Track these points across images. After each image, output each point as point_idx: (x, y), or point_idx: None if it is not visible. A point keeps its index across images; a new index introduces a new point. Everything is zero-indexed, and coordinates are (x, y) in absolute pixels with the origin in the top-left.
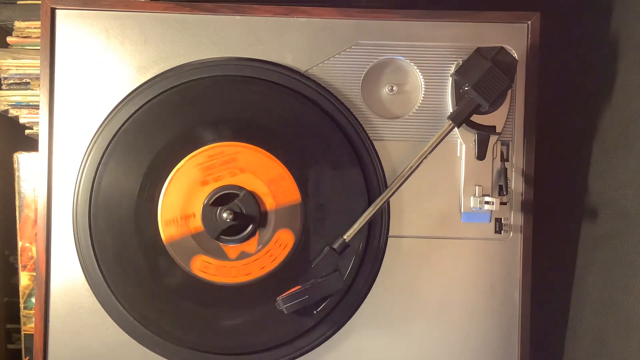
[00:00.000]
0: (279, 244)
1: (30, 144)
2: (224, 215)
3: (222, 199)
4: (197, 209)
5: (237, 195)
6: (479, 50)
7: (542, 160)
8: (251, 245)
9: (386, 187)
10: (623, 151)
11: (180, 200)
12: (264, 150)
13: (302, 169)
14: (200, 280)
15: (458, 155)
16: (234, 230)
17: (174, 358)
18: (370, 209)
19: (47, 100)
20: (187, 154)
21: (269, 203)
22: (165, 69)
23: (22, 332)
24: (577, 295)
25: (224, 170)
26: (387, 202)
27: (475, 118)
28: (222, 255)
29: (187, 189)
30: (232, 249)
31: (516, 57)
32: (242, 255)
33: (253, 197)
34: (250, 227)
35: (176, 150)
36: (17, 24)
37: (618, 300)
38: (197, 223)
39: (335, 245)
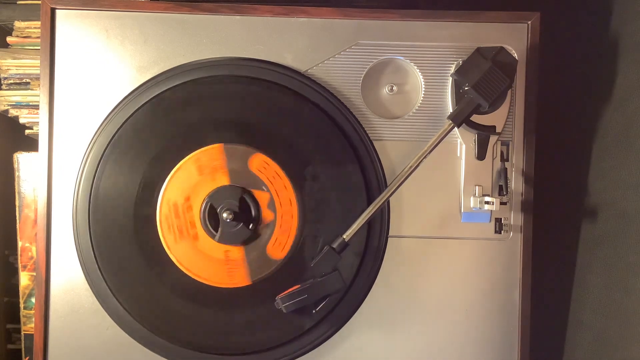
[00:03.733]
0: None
1: (30, 144)
2: (224, 214)
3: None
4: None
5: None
6: (479, 50)
7: (542, 160)
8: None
9: (386, 186)
10: (623, 151)
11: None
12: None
13: (301, 169)
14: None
15: (458, 155)
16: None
17: (174, 358)
18: (370, 208)
19: (47, 100)
20: (187, 154)
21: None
22: (165, 69)
23: (22, 332)
24: (577, 295)
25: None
26: (387, 202)
27: (475, 118)
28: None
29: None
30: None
31: (516, 57)
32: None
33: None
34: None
35: (176, 151)
36: (17, 24)
37: (618, 301)
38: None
39: (335, 245)
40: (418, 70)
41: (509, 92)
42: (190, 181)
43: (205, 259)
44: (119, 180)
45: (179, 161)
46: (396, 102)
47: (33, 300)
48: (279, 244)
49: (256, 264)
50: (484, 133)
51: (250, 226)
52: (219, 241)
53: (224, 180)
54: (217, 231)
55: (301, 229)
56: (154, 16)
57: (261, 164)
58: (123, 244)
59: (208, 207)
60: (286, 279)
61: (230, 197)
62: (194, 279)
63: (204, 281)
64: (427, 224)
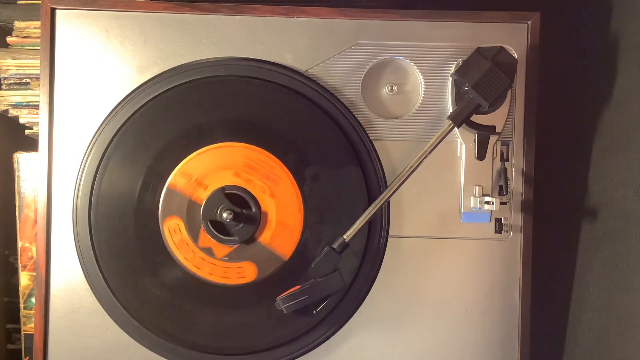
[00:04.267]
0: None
1: (30, 144)
2: (224, 215)
3: (235, 198)
4: (214, 184)
5: (251, 208)
6: (479, 50)
7: (542, 160)
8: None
9: (386, 187)
10: (623, 151)
11: (208, 168)
12: (299, 193)
13: (301, 169)
14: (200, 280)
15: (458, 155)
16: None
17: (174, 358)
18: (370, 208)
19: (47, 100)
20: (187, 154)
21: (264, 236)
22: (165, 69)
23: (22, 332)
24: (577, 295)
25: (260, 180)
26: (387, 202)
27: (475, 118)
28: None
29: (220, 165)
30: (205, 238)
31: (516, 57)
32: (209, 251)
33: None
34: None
35: (176, 151)
36: (17, 24)
37: (618, 300)
38: (202, 195)
39: (335, 245)
40: (418, 70)
41: (509, 92)
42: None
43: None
44: (119, 180)
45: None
46: (396, 102)
47: (33, 300)
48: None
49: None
50: (484, 133)
51: (252, 225)
52: (239, 242)
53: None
54: (225, 235)
55: (305, 224)
56: (154, 16)
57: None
58: (123, 243)
59: (210, 224)
60: (287, 279)
61: (218, 201)
62: (194, 279)
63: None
64: (427, 224)
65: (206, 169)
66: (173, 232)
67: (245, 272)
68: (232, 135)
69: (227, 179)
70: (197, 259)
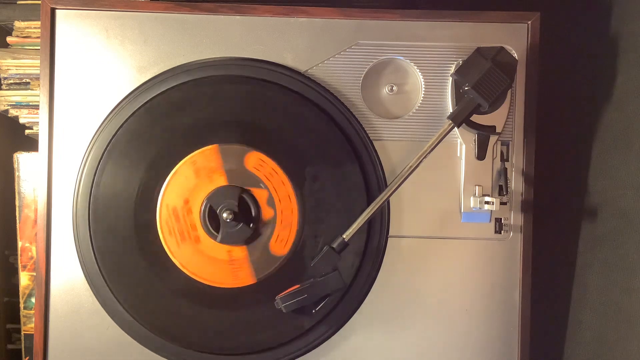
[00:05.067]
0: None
1: (30, 144)
2: (224, 214)
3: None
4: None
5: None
6: (479, 50)
7: (542, 160)
8: (244, 250)
9: (386, 186)
10: (623, 151)
11: (186, 186)
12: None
13: (301, 169)
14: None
15: (458, 155)
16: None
17: (174, 358)
18: (370, 208)
19: (47, 100)
20: (187, 154)
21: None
22: (165, 69)
23: (22, 332)
24: (577, 295)
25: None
26: (387, 202)
27: (475, 118)
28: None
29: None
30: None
31: (516, 57)
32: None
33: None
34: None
35: (176, 151)
36: (17, 24)
37: (618, 300)
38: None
39: (335, 245)
40: (418, 70)
41: (509, 92)
42: (188, 184)
43: (209, 261)
44: (119, 180)
45: (179, 161)
46: (396, 102)
47: (33, 300)
48: (281, 240)
49: (260, 262)
50: (484, 133)
51: (251, 225)
52: (221, 242)
53: (221, 181)
54: (218, 232)
55: (302, 223)
56: (154, 16)
57: (257, 162)
58: (123, 243)
59: (208, 208)
60: (286, 279)
61: (229, 197)
62: (194, 279)
63: (208, 283)
64: (427, 224)
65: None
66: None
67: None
68: (232, 135)
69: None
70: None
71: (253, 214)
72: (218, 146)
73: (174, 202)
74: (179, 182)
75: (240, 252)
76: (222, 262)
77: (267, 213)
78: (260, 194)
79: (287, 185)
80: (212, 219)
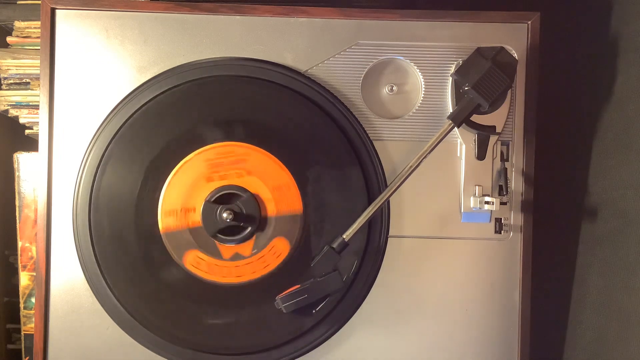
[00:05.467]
0: (274, 252)
1: (30, 144)
2: (224, 215)
3: (225, 198)
4: (199, 204)
5: (240, 196)
6: (479, 50)
7: (542, 160)
8: (246, 248)
9: (386, 186)
10: (623, 151)
11: (183, 192)
12: (273, 156)
13: (301, 169)
14: (199, 280)
15: (458, 155)
16: (232, 231)
17: (174, 358)
18: (370, 208)
19: (47, 100)
20: (186, 154)
21: (271, 209)
22: (165, 69)
23: (22, 332)
24: (577, 295)
25: (231, 170)
26: (387, 202)
27: (475, 118)
28: (216, 254)
29: (192, 183)
30: (226, 248)
31: (516, 57)
32: (236, 257)
33: (255, 200)
34: (249, 229)
35: (176, 151)
36: (17, 24)
37: (618, 300)
38: (196, 218)
39: (335, 245)
40: (418, 70)
41: (509, 92)
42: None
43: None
44: (119, 180)
45: (179, 161)
46: (396, 102)
47: (33, 300)
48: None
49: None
50: (484, 133)
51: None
52: (240, 243)
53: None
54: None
55: (298, 240)
56: (154, 16)
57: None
58: (123, 243)
59: (217, 234)
60: (286, 279)
61: (213, 210)
62: (194, 279)
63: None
64: (427, 224)
65: (182, 195)
66: (197, 264)
67: (278, 249)
68: (231, 136)
69: (206, 189)
70: (232, 271)
71: (254, 217)
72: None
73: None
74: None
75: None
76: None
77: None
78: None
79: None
80: (224, 234)
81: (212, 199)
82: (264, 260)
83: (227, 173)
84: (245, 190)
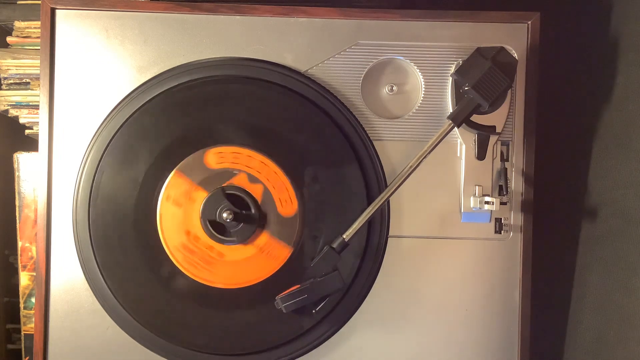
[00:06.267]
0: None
1: (30, 144)
2: (224, 215)
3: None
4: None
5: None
6: (479, 50)
7: (542, 160)
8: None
9: (386, 186)
10: (623, 151)
11: (178, 220)
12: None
13: (301, 169)
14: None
15: (458, 155)
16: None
17: (174, 358)
18: (370, 208)
19: (47, 100)
20: (187, 154)
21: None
22: (165, 69)
23: (22, 332)
24: (577, 295)
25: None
26: (387, 202)
27: (475, 118)
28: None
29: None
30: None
31: (516, 57)
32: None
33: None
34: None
35: (176, 151)
36: (17, 24)
37: (618, 300)
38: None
39: (335, 245)
40: (418, 70)
41: (509, 92)
42: (179, 218)
43: (244, 263)
44: (119, 180)
45: (180, 161)
46: (396, 102)
47: (33, 300)
48: (285, 200)
49: (284, 231)
50: (484, 133)
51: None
52: (241, 242)
53: (202, 195)
54: (231, 236)
55: (291, 176)
56: (154, 16)
57: (216, 157)
58: (123, 243)
59: (208, 224)
60: (286, 279)
61: (217, 202)
62: (194, 280)
63: (255, 282)
64: (427, 224)
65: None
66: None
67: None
68: (231, 136)
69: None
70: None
71: (246, 199)
72: (177, 170)
73: (178, 240)
74: (170, 222)
75: (263, 237)
76: (254, 256)
77: (256, 190)
78: (240, 180)
79: (255, 155)
80: (218, 230)
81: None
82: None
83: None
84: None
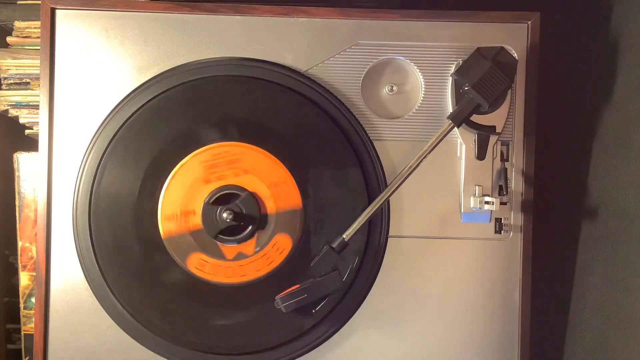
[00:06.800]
0: (277, 248)
1: (30, 144)
2: (224, 215)
3: (224, 198)
4: (198, 206)
5: (239, 195)
6: (479, 50)
7: (542, 160)
8: (249, 246)
9: (386, 186)
10: (623, 151)
11: (182, 196)
12: (268, 153)
13: (302, 169)
14: (200, 280)
15: (458, 155)
16: (233, 231)
17: (174, 358)
18: (370, 208)
19: (47, 100)
20: (187, 154)
21: (270, 206)
22: (165, 69)
23: (22, 332)
24: (577, 295)
25: (228, 170)
26: (387, 202)
27: (475, 118)
28: (219, 255)
29: (189, 186)
30: (229, 249)
31: (516, 57)
32: (239, 256)
33: (254, 198)
34: (250, 228)
35: (175, 151)
36: (17, 24)
37: (618, 300)
38: (196, 220)
39: (335, 245)
40: (418, 70)
41: (509, 92)
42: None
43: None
44: (119, 180)
45: (179, 161)
46: (396, 102)
47: (33, 300)
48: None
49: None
50: (484, 133)
51: (250, 228)
52: (241, 242)
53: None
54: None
55: (300, 235)
56: (154, 16)
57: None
58: (123, 243)
59: (209, 205)
60: (286, 279)
61: (214, 211)
62: (194, 279)
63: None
64: (427, 224)
65: (181, 198)
66: (201, 266)
67: (281, 245)
68: (231, 136)
69: (204, 191)
70: (237, 270)
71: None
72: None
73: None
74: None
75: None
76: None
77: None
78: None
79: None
80: (225, 234)
81: (211, 201)
82: (267, 257)
83: (224, 173)
84: (243, 189)
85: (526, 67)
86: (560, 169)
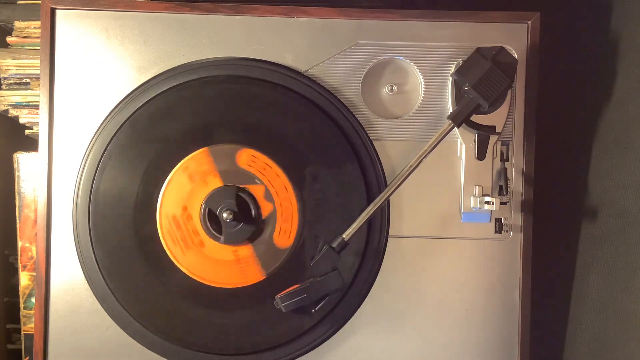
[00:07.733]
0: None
1: (30, 144)
2: (224, 215)
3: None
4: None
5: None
6: (479, 50)
7: (542, 160)
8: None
9: (386, 186)
10: (623, 151)
11: (182, 196)
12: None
13: (301, 169)
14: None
15: (458, 155)
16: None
17: (174, 358)
18: (369, 208)
19: (47, 100)
20: (187, 154)
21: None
22: (165, 69)
23: (22, 332)
24: (577, 295)
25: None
26: (387, 202)
27: (475, 118)
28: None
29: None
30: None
31: (516, 57)
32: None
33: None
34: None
35: (175, 151)
36: (17, 24)
37: (618, 300)
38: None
39: (334, 245)
40: (418, 70)
41: (509, 92)
42: (184, 191)
43: (216, 263)
44: (119, 180)
45: (179, 161)
46: (396, 102)
47: (33, 300)
48: (284, 232)
49: (267, 257)
50: (484, 133)
51: (252, 222)
52: (225, 243)
53: (216, 183)
54: (221, 234)
55: (303, 213)
56: (154, 16)
57: (249, 159)
58: (123, 243)
59: (207, 212)
60: (286, 279)
61: (226, 197)
62: (195, 281)
63: (218, 285)
64: (427, 224)
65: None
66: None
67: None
68: (231, 136)
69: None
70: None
71: (252, 210)
72: (208, 149)
73: (172, 210)
74: (175, 190)
75: (246, 250)
76: (229, 262)
77: (266, 208)
78: (257, 190)
79: (283, 177)
80: (213, 222)
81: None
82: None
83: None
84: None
85: (526, 67)
86: (560, 169)
